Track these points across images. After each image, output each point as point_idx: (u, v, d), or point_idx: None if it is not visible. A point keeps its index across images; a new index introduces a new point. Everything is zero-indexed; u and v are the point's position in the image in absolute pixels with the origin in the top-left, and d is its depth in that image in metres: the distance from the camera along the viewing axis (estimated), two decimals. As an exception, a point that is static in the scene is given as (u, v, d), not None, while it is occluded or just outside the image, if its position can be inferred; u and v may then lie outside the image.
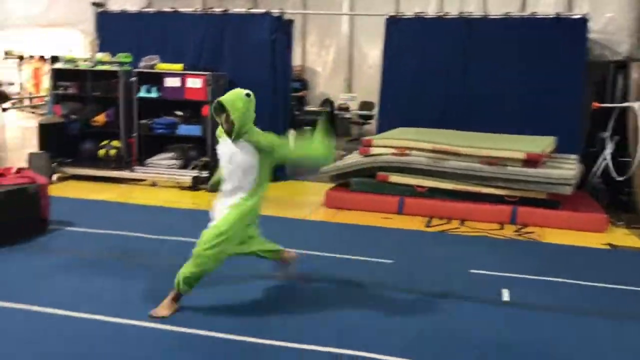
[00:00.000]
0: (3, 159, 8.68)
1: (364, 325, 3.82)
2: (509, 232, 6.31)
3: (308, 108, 13.75)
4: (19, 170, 5.70)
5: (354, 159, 7.39)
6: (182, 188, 7.99)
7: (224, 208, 3.97)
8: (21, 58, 16.82)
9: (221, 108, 3.82)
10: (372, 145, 7.16)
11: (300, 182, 8.74)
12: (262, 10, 8.81)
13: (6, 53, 16.53)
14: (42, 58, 15.89)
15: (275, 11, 8.72)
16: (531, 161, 6.51)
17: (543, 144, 7.00)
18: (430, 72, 8.46)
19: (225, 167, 3.96)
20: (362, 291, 4.47)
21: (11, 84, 16.12)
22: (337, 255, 5.25)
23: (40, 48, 15.72)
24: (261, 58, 8.57)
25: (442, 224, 6.51)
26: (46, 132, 8.29)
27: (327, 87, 15.24)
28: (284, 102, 9.02)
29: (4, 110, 9.08)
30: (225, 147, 3.92)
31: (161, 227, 5.93)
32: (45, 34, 15.06)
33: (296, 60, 15.04)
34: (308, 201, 7.55)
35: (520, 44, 8.16)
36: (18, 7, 14.79)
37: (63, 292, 4.18)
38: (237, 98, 3.82)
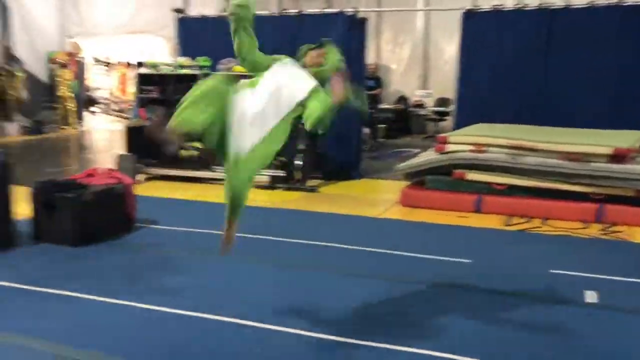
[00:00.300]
0: (92, 160, 9.22)
1: (443, 327, 3.76)
2: (594, 231, 6.03)
3: (383, 106, 13.69)
4: (109, 170, 6.01)
5: (430, 156, 7.29)
6: (260, 187, 8.16)
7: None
8: (109, 64, 17.81)
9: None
10: (448, 142, 7.03)
11: (375, 180, 8.73)
12: (336, 10, 8.84)
13: (95, 60, 17.52)
14: (128, 64, 16.74)
15: (349, 10, 8.74)
16: (619, 156, 6.19)
17: (632, 138, 6.63)
18: (508, 67, 8.21)
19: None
20: (440, 291, 4.40)
21: (99, 89, 17.05)
22: (413, 254, 5.20)
23: (126, 54, 16.56)
24: (335, 57, 8.61)
25: (522, 223, 6.31)
26: (132, 135, 8.71)
27: (402, 85, 15.12)
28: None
29: (93, 114, 9.59)
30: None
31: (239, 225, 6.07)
32: (131, 41, 15.82)
33: (370, 58, 15.03)
34: (382, 199, 7.53)
35: (607, 34, 7.78)
36: (106, 16, 15.65)
37: (152, 288, 4.36)
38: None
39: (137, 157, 8.51)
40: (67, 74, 15.13)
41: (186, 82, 8.78)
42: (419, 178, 7.31)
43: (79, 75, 15.73)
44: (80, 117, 15.68)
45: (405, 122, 14.08)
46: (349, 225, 6.36)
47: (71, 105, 15.20)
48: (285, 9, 9.53)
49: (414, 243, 5.56)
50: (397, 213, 6.86)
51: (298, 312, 3.95)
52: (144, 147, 8.73)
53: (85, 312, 3.93)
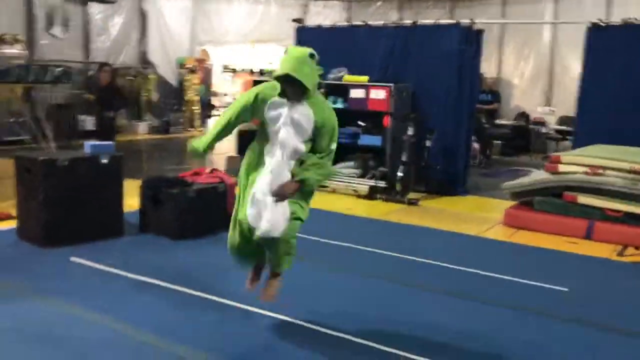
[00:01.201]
0: (209, 160, 9.67)
1: (525, 355, 3.53)
2: None
3: (500, 121, 13.16)
4: (212, 170, 6.29)
5: (540, 176, 6.89)
6: (359, 196, 8.15)
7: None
8: (234, 71, 18.71)
9: (288, 79, 3.24)
10: (561, 163, 6.60)
11: (482, 198, 8.40)
12: (451, 21, 8.63)
13: (224, 67, 18.48)
14: (251, 71, 17.50)
15: (464, 21, 8.51)
16: None
17: None
18: (636, 85, 7.57)
19: (275, 133, 3.37)
20: (529, 318, 4.13)
21: (225, 94, 17.93)
22: (507, 277, 4.93)
23: (250, 62, 17.31)
24: (447, 69, 8.42)
25: (637, 255, 5.76)
26: (242, 138, 9.05)
27: (524, 100, 14.47)
28: (469, 114, 8.74)
29: (209, 117, 10.07)
30: (281, 109, 3.35)
31: (335, 232, 6.08)
32: (255, 49, 16.50)
33: (491, 71, 14.57)
34: (486, 217, 7.21)
35: None
36: (233, 25, 16.46)
37: (239, 285, 4.48)
38: (303, 62, 3.24)
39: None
40: (195, 79, 16.06)
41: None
42: (527, 198, 6.93)
43: (206, 80, 16.66)
44: (204, 120, 16.59)
45: (525, 139, 13.41)
46: (446, 241, 6.17)
47: (197, 109, 16.12)
48: (400, 20, 9.43)
49: (512, 265, 5.27)
50: (499, 233, 6.55)
51: (376, 325, 3.88)
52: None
53: (172, 303, 4.11)
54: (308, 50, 3.32)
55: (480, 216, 7.33)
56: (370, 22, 9.40)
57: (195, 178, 6.09)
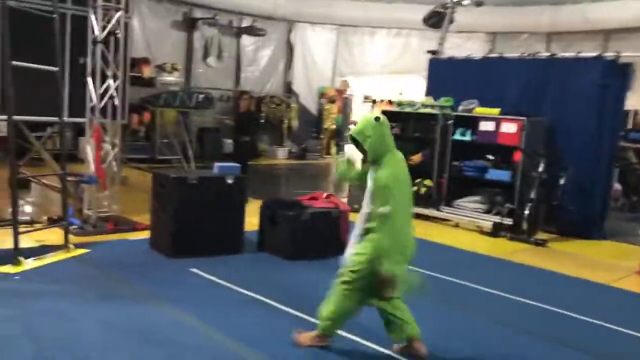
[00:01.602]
0: (334, 186, 9.92)
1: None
2: None
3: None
4: (328, 196, 6.46)
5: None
6: (482, 232, 7.87)
7: (357, 236, 3.66)
8: (374, 101, 19.03)
9: (354, 140, 3.60)
10: None
11: (620, 244, 7.72)
12: (593, 54, 8.13)
13: (365, 97, 18.89)
14: (390, 102, 17.67)
15: (609, 54, 7.97)
16: None
17: None
18: None
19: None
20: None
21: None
22: (630, 332, 4.49)
23: (389, 92, 17.53)
24: (587, 104, 7.93)
25: None
26: (369, 167, 9.18)
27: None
28: (610, 152, 8.13)
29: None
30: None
31: (452, 268, 5.93)
32: (395, 81, 16.70)
33: (647, 108, 13.41)
34: (622, 266, 6.62)
35: None
36: (374, 57, 16.85)
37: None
38: (365, 126, 3.53)
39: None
40: (333, 108, 16.60)
41: (425, 121, 8.99)
42: (668, 247, 6.27)
43: (344, 109, 17.12)
44: (341, 148, 17.03)
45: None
46: (572, 289, 5.76)
47: (333, 137, 16.63)
48: (537, 52, 9.05)
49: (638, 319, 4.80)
50: (633, 283, 5.98)
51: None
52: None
53: (274, 320, 4.27)
54: (374, 114, 3.63)
55: (614, 264, 6.74)
56: (505, 54, 9.15)
57: (312, 202, 6.29)
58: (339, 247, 6.08)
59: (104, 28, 6.59)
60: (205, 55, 15.01)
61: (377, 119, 3.55)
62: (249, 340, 3.82)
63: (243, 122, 8.98)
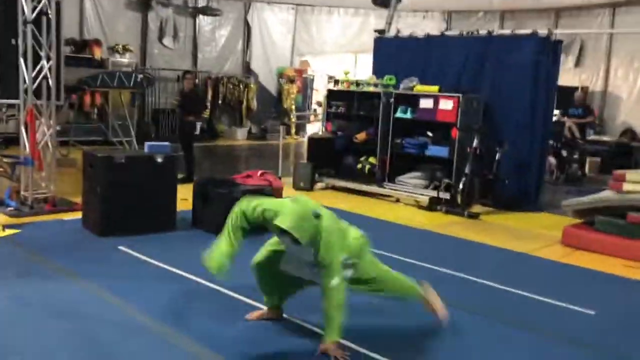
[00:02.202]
0: (285, 166, 10.00)
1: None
2: None
3: (600, 137, 12.37)
4: (262, 174, 6.59)
5: (604, 194, 6.47)
6: (420, 207, 8.08)
7: None
8: (336, 82, 19.12)
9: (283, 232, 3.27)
10: (626, 181, 6.17)
11: (552, 215, 7.97)
12: (527, 31, 8.32)
13: (329, 77, 18.96)
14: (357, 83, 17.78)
15: (542, 31, 8.16)
16: None
17: None
18: None
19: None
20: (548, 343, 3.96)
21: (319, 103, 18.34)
22: (541, 298, 4.69)
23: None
24: (522, 80, 8.15)
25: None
26: (314, 146, 9.31)
27: (632, 116, 13.45)
28: (544, 128, 8.37)
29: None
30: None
31: (383, 242, 6.07)
32: (351, 59, 16.78)
33: (596, 84, 13.75)
34: (542, 235, 6.88)
35: None
36: (332, 36, 16.91)
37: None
38: (303, 226, 3.24)
39: (316, 166, 9.08)
40: (293, 88, 16.64)
41: (369, 99, 9.13)
42: (589, 218, 6.53)
43: (304, 89, 17.18)
44: (300, 129, 17.14)
45: (627, 157, 12.48)
46: (493, 258, 5.99)
47: (293, 117, 16.69)
48: (476, 30, 9.20)
49: (552, 286, 5.02)
50: (553, 252, 6.22)
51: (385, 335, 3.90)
52: (325, 157, 9.33)
53: (191, 295, 4.40)
54: (313, 210, 3.36)
55: (541, 234, 6.99)
56: (446, 32, 9.30)
57: (246, 180, 6.42)
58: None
59: (34, 9, 6.56)
60: (161, 36, 14.92)
61: (316, 215, 3.34)
62: (160, 313, 3.93)
63: (187, 102, 9.00)
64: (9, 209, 6.57)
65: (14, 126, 12.06)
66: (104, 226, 5.67)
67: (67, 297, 4.14)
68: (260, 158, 12.87)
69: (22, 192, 6.81)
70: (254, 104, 16.21)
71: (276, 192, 6.37)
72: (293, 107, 16.67)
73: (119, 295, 4.19)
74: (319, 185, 9.28)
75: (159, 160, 5.92)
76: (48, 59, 6.74)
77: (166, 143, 6.34)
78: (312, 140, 9.42)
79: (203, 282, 4.57)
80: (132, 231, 5.70)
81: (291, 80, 16.56)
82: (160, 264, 4.96)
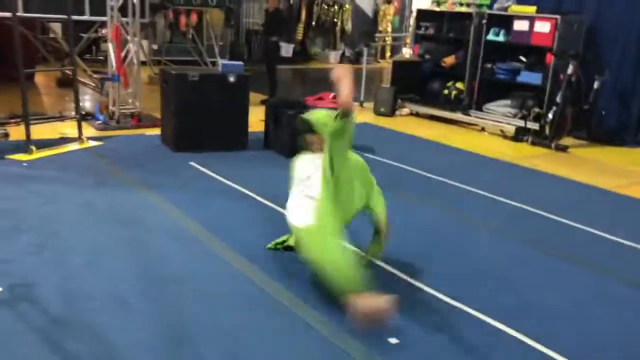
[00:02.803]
0: (367, 90, 9.76)
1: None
2: None
3: None
4: (335, 96, 6.45)
5: None
6: (505, 137, 7.66)
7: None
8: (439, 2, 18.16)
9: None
10: None
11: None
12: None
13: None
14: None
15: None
16: None
17: None
18: None
19: None
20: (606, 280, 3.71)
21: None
22: (613, 238, 4.37)
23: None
24: (634, 5, 7.30)
25: None
26: (398, 70, 8.99)
27: None
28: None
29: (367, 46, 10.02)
30: None
31: (449, 169, 5.90)
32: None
33: None
34: (635, 172, 6.33)
35: None
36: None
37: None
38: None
39: (399, 91, 8.81)
40: (390, 9, 16.04)
41: (461, 20, 8.60)
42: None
43: (401, 11, 16.51)
44: (396, 51, 16.59)
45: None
46: (572, 193, 5.61)
47: (389, 40, 16.16)
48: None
49: (629, 226, 4.65)
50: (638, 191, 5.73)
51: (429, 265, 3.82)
52: (409, 82, 9.02)
53: (249, 211, 4.49)
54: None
55: (634, 170, 6.43)
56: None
57: (317, 102, 6.36)
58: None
59: None
60: (257, -46, 14.77)
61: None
62: (215, 227, 4.04)
63: (271, 22, 8.91)
64: (98, 122, 6.96)
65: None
66: (177, 142, 5.87)
67: (131, 205, 4.37)
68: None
69: (110, 107, 7.17)
70: (349, 26, 15.85)
71: (348, 115, 6.25)
72: (389, 29, 16.13)
73: (179, 207, 4.35)
74: (402, 111, 9.02)
75: (232, 79, 5.97)
76: (133, -23, 6.87)
77: (240, 63, 6.35)
78: (397, 64, 9.08)
79: (264, 201, 4.64)
80: (204, 148, 5.87)
81: (388, 1, 15.95)
82: (226, 181, 5.09)
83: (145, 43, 10.96)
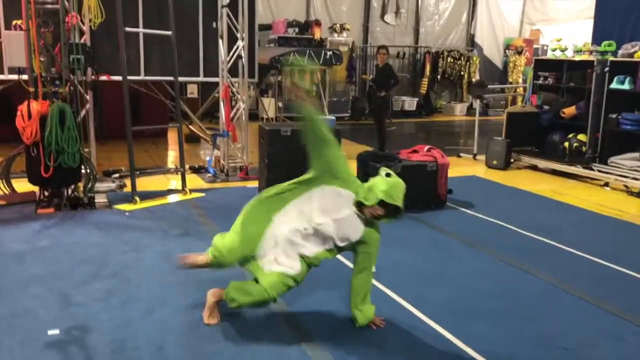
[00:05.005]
0: (464, 143, 9.34)
1: None
2: None
3: None
4: (430, 149, 6.28)
5: None
6: (630, 193, 6.89)
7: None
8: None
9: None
10: None
11: None
12: None
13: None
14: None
15: None
16: None
17: None
18: None
19: None
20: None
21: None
22: None
23: (582, 39, 15.78)
24: None
25: None
26: (513, 121, 8.55)
27: None
28: None
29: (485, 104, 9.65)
30: None
31: (568, 232, 5.41)
32: (587, 26, 14.92)
33: None
34: None
35: None
36: (568, 2, 15.23)
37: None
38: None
39: (514, 143, 8.35)
40: (521, 60, 15.46)
41: (581, 69, 8.04)
42: None
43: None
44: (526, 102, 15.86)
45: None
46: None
47: (520, 90, 15.50)
48: None
49: None
50: None
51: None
52: (524, 134, 8.53)
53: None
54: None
55: None
56: None
57: (410, 156, 6.20)
58: (435, 201, 6.00)
59: (230, -5, 7.17)
60: (383, 12, 15.10)
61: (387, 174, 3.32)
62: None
63: (379, 77, 8.96)
64: (208, 175, 7.38)
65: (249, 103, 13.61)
66: (268, 195, 6.01)
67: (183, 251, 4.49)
68: (465, 134, 12.29)
69: (221, 161, 7.58)
70: (477, 78, 15.49)
71: (441, 169, 6.03)
72: (520, 79, 15.50)
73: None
74: (519, 164, 8.52)
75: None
76: (242, 40, 7.32)
77: (332, 117, 6.44)
78: (511, 115, 8.63)
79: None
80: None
81: (519, 52, 15.41)
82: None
83: (272, 101, 11.61)
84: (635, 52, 7.44)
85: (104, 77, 6.59)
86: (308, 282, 3.43)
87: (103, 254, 4.52)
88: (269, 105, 11.17)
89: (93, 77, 6.44)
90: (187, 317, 3.48)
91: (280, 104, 12.57)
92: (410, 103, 14.91)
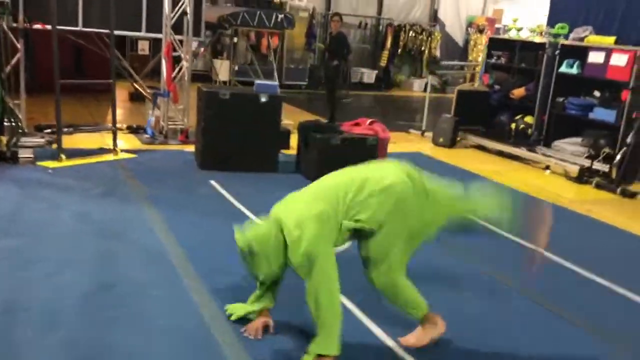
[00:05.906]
0: (418, 119, 9.23)
1: None
2: None
3: None
4: (372, 122, 6.17)
5: None
6: (568, 178, 6.95)
7: None
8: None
9: None
10: None
11: None
12: None
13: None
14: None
15: None
16: None
17: None
18: None
19: None
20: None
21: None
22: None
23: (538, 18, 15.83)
24: None
25: None
26: (463, 99, 8.51)
27: None
28: None
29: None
30: None
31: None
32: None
33: None
34: None
35: None
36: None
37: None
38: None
39: (461, 122, 8.32)
40: (482, 39, 15.42)
41: (534, 50, 8.01)
42: None
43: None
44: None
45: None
46: (622, 247, 4.92)
47: (478, 69, 15.52)
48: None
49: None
50: None
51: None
52: (474, 113, 8.50)
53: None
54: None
55: None
56: None
57: (352, 128, 6.08)
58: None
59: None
60: (348, -18, 14.80)
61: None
62: (195, 251, 3.85)
63: (333, 45, 8.76)
64: (146, 136, 7.12)
65: (202, 64, 13.21)
66: (203, 159, 5.83)
67: (123, 219, 4.33)
68: (421, 111, 12.23)
69: (160, 122, 7.32)
70: (437, 54, 15.41)
71: (381, 144, 5.93)
72: (480, 58, 15.47)
73: (170, 226, 4.25)
74: (465, 143, 8.51)
75: (263, 99, 5.86)
76: (187, -4, 7.01)
77: (275, 83, 6.24)
78: (461, 93, 8.58)
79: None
80: (231, 168, 5.79)
81: (480, 30, 15.36)
82: (236, 203, 4.94)
83: (226, 63, 11.26)
84: (586, 36, 7.44)
85: (37, 26, 6.23)
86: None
87: (16, 211, 4.30)
88: (221, 67, 10.83)
89: (26, 24, 6.11)
90: (90, 283, 3.31)
91: (235, 67, 12.25)
92: (369, 75, 14.74)
